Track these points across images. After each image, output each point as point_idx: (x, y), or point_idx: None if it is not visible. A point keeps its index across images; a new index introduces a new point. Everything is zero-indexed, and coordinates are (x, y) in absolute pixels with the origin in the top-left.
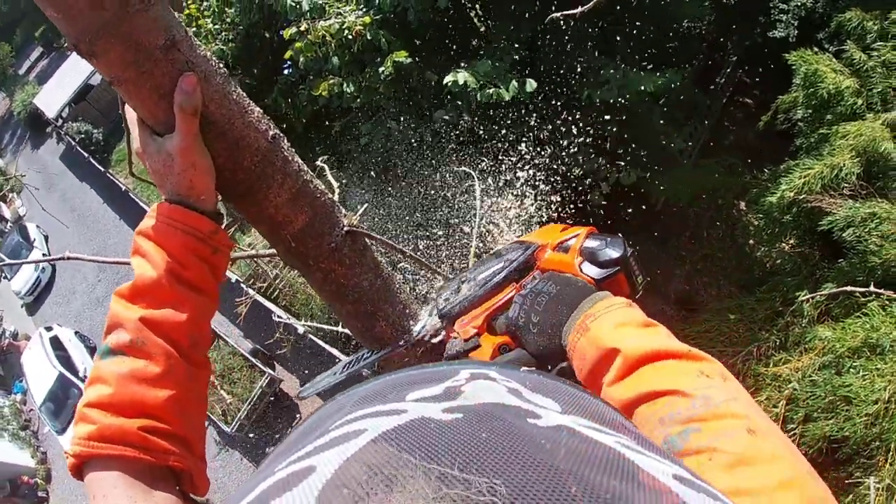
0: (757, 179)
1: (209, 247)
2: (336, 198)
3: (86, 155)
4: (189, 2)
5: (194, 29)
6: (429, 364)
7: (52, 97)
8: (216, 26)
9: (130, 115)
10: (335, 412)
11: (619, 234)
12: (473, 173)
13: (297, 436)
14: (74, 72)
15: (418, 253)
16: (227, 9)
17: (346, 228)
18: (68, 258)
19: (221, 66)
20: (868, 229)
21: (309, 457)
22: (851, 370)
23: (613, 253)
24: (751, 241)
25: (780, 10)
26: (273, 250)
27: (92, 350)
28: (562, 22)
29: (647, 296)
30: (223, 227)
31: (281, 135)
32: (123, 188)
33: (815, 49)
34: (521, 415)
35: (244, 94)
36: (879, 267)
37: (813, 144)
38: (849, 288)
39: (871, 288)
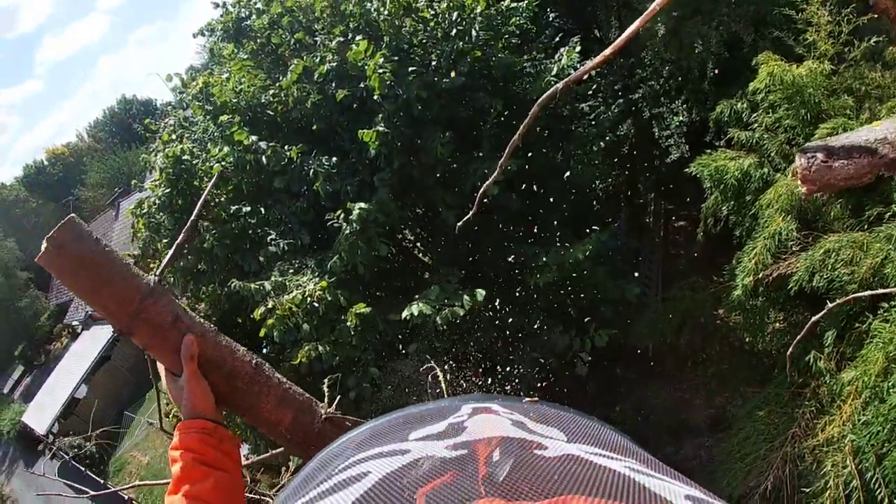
0: (720, 283)
1: (215, 438)
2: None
3: (83, 469)
4: None
5: None
6: (429, 402)
7: (41, 414)
8: None
9: (160, 366)
10: (338, 455)
11: None
12: (439, 372)
13: (302, 480)
14: (60, 387)
15: None
16: (197, 305)
17: (324, 416)
18: None
19: (212, 326)
20: (831, 266)
21: (314, 502)
22: (892, 391)
23: None
24: (746, 338)
25: (666, 136)
26: (280, 448)
27: None
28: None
29: (681, 437)
30: (224, 425)
31: (262, 361)
32: (126, 497)
33: (709, 151)
34: (526, 447)
35: (232, 340)
36: (860, 289)
37: (749, 228)
38: (821, 313)
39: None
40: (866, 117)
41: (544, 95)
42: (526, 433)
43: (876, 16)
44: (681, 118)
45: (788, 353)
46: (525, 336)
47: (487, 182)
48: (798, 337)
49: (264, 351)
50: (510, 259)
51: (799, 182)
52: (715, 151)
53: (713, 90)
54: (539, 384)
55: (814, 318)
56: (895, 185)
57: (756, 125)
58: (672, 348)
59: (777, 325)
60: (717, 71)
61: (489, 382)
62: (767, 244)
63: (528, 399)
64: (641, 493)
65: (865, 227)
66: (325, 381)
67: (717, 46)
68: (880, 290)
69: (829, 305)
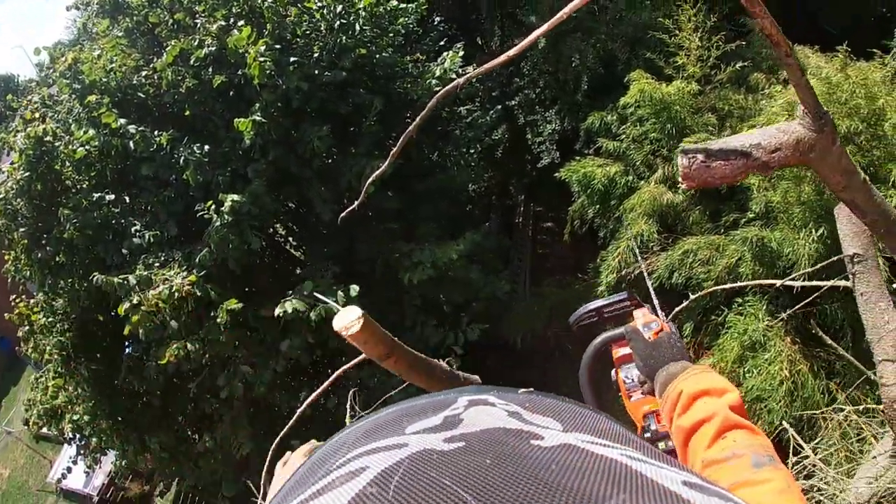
0: (585, 281)
1: None
2: None
3: None
4: (18, 300)
5: (27, 326)
6: (426, 395)
7: None
8: (49, 319)
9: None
10: (337, 450)
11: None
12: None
13: (301, 476)
14: None
15: None
16: (54, 301)
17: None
18: None
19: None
20: (689, 265)
21: (312, 499)
22: (747, 376)
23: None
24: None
25: (539, 142)
26: None
27: None
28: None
29: None
30: None
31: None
32: None
33: (578, 158)
34: (523, 437)
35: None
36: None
37: (613, 230)
38: (681, 308)
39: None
40: (727, 134)
41: (445, 89)
42: (522, 424)
43: (743, 43)
44: (553, 126)
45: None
46: (399, 331)
47: (377, 173)
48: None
49: (128, 350)
50: (385, 256)
51: (679, 179)
52: (584, 158)
53: (586, 102)
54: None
55: (677, 309)
56: (750, 195)
57: (624, 136)
58: (540, 340)
59: None
60: (590, 85)
61: (361, 378)
62: (630, 244)
63: (523, 390)
64: (638, 480)
65: (722, 231)
66: (193, 383)
67: (594, 62)
68: (731, 285)
69: (692, 297)
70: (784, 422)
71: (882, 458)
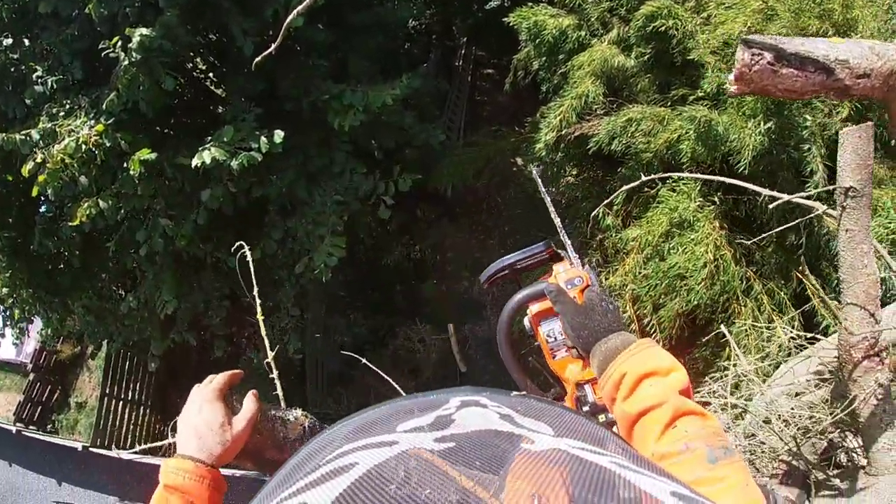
0: (522, 134)
1: (222, 494)
2: None
3: None
4: None
5: None
6: (418, 394)
7: None
8: None
9: (204, 394)
10: (326, 445)
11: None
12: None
13: (290, 470)
14: None
15: None
16: None
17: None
18: None
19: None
20: (631, 133)
21: (301, 493)
22: (672, 252)
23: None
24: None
25: None
26: None
27: None
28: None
29: (477, 273)
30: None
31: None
32: None
33: (530, 4)
34: (514, 440)
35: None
36: (654, 159)
37: (557, 85)
38: (631, 185)
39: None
40: (692, 4)
41: None
42: (514, 427)
43: None
44: None
45: (593, 214)
46: (328, 178)
47: (306, 2)
48: (605, 202)
49: (42, 210)
50: (313, 97)
51: (730, 78)
52: (536, 6)
53: None
54: (340, 227)
55: (626, 187)
56: (702, 73)
57: None
58: (471, 192)
59: (570, 179)
60: None
61: (289, 226)
62: (574, 104)
63: (515, 393)
64: (627, 489)
65: (669, 104)
66: (112, 240)
67: None
68: (659, 176)
69: (643, 178)
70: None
71: (803, 376)
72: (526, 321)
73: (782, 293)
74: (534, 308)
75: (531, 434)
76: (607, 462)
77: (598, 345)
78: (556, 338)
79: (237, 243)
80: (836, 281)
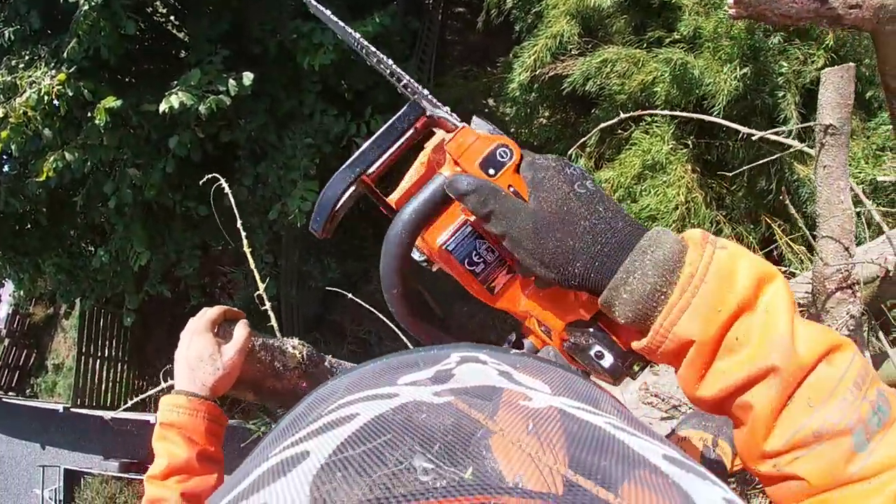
0: (494, 75)
1: (221, 426)
2: None
3: None
4: None
5: None
6: (419, 348)
7: None
8: None
9: (193, 327)
10: (328, 397)
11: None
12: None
13: (290, 420)
14: None
15: None
16: None
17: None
18: None
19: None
20: (605, 75)
21: (302, 442)
22: (643, 194)
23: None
24: (513, 129)
25: None
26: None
27: None
28: None
29: None
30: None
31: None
32: None
33: None
34: (511, 397)
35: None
36: (628, 101)
37: (531, 24)
38: (608, 123)
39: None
40: None
41: None
42: (512, 383)
43: None
44: None
45: (570, 153)
46: (298, 120)
47: None
48: (579, 143)
49: (6, 169)
50: (281, 36)
51: (729, 1)
52: None
53: None
54: (313, 171)
55: (602, 125)
56: (681, 15)
57: None
58: None
59: (543, 120)
60: None
61: (259, 171)
62: (548, 44)
63: (515, 351)
64: (620, 449)
65: (645, 46)
66: (79, 195)
67: None
68: (633, 114)
69: (622, 115)
70: None
71: None
72: (416, 254)
73: (751, 237)
74: (429, 236)
75: (529, 391)
76: (602, 422)
77: (620, 276)
78: (484, 260)
79: (211, 175)
80: (802, 228)
